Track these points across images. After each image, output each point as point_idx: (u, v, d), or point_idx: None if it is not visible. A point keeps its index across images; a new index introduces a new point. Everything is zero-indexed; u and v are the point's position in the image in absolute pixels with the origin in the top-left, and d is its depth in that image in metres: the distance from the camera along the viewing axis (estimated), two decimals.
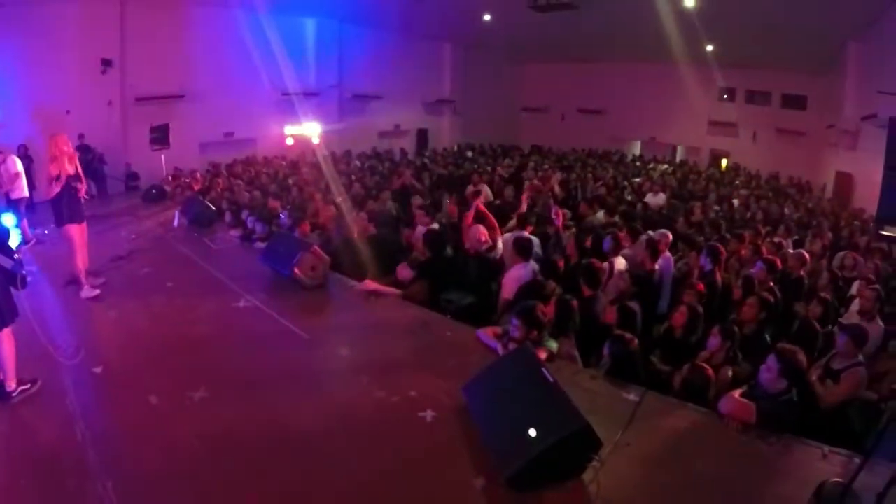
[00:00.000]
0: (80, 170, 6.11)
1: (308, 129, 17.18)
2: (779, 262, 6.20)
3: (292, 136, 17.37)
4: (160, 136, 14.59)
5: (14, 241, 7.27)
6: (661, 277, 6.44)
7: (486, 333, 4.76)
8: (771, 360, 3.49)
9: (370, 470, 3.29)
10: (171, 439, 3.54)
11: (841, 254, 7.48)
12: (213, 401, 3.99)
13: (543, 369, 3.36)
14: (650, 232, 7.39)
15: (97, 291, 6.02)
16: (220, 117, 15.53)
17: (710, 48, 16.61)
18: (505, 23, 17.40)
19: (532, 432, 3.03)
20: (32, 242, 7.98)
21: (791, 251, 6.99)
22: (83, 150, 12.62)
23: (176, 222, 9.29)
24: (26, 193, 8.84)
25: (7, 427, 3.69)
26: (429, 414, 3.81)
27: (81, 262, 6.09)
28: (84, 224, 6.20)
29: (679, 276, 6.69)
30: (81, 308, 5.74)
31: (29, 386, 4.01)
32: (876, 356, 4.81)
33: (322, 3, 16.13)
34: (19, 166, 8.81)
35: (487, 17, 17.44)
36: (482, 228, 6.40)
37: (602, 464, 3.10)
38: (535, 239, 6.67)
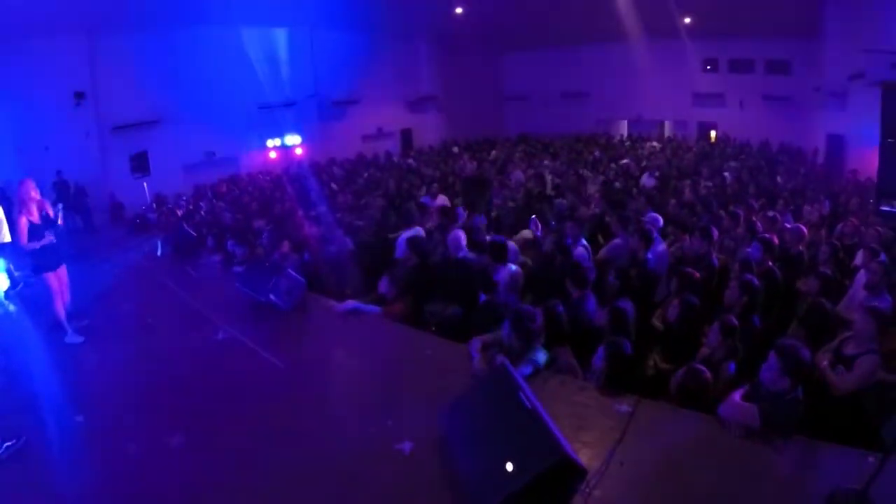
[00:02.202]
0: (49, 213, 5.94)
1: (290, 141, 16.98)
2: (775, 239, 5.98)
3: (274, 149, 17.15)
4: (140, 164, 14.42)
5: (2, 285, 7.17)
6: (656, 265, 6.25)
7: (477, 345, 4.48)
8: (772, 357, 3.28)
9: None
10: (149, 490, 3.45)
11: (841, 224, 7.25)
12: (190, 446, 3.86)
13: (521, 393, 3.11)
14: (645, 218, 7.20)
15: (81, 338, 5.88)
16: (200, 138, 15.40)
17: (687, 20, 16.32)
18: (478, 13, 17.14)
19: (509, 466, 2.80)
20: (20, 286, 7.79)
21: (788, 225, 6.76)
22: (61, 186, 12.52)
23: (159, 251, 9.13)
24: (8, 239, 8.67)
25: None
26: (407, 446, 3.59)
27: (61, 307, 5.96)
28: (60, 269, 6.05)
29: (674, 261, 6.48)
30: (65, 354, 5.62)
31: (14, 442, 3.89)
32: (887, 332, 4.56)
33: (292, 10, 15.85)
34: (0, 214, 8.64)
35: (459, 10, 17.16)
36: (462, 233, 6.22)
37: (591, 490, 2.88)
38: (512, 245, 6.47)
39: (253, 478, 3.49)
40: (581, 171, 11.83)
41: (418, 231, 7.11)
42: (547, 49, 21.30)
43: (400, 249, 6.65)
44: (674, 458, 3.23)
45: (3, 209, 9.07)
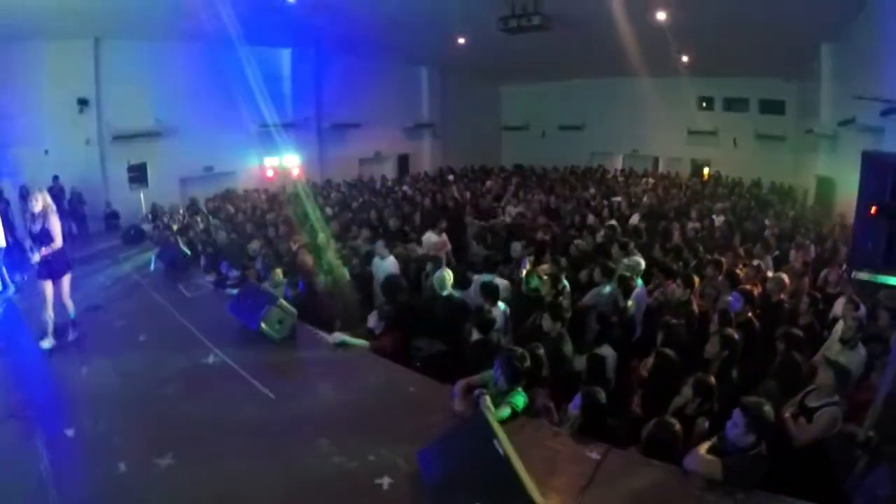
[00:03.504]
0: (48, 226, 6.07)
1: (288, 161, 17.19)
2: (756, 291, 6.14)
3: (272, 167, 17.35)
4: (138, 175, 14.59)
5: None
6: (635, 309, 6.44)
7: (460, 386, 4.57)
8: (737, 414, 3.41)
9: None
10: None
11: (825, 271, 7.43)
12: (178, 468, 3.97)
13: (495, 441, 3.25)
14: (625, 260, 7.39)
15: (51, 344, 6.06)
16: (199, 152, 15.64)
17: (685, 59, 16.71)
18: (480, 45, 17.47)
19: None
20: (13, 290, 7.87)
21: (770, 274, 6.93)
22: (58, 191, 12.64)
23: (152, 267, 9.23)
24: (2, 244, 8.75)
25: None
26: (385, 481, 3.71)
27: (48, 315, 6.13)
28: (50, 281, 6.17)
29: (655, 305, 6.66)
30: (56, 365, 5.73)
31: None
32: (858, 385, 4.72)
33: (297, 32, 16.13)
34: None
35: (462, 41, 17.50)
36: (448, 273, 6.42)
37: None
38: (502, 282, 6.64)
39: (237, 501, 3.61)
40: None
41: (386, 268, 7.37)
42: (546, 82, 21.72)
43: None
44: None
45: (1, 211, 9.20)
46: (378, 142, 20.89)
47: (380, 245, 7.81)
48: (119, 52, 13.85)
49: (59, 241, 6.08)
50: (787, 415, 4.08)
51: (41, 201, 5.99)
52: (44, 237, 5.99)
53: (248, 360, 5.60)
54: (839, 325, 5.40)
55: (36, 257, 5.95)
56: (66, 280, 6.28)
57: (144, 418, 4.66)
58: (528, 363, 4.23)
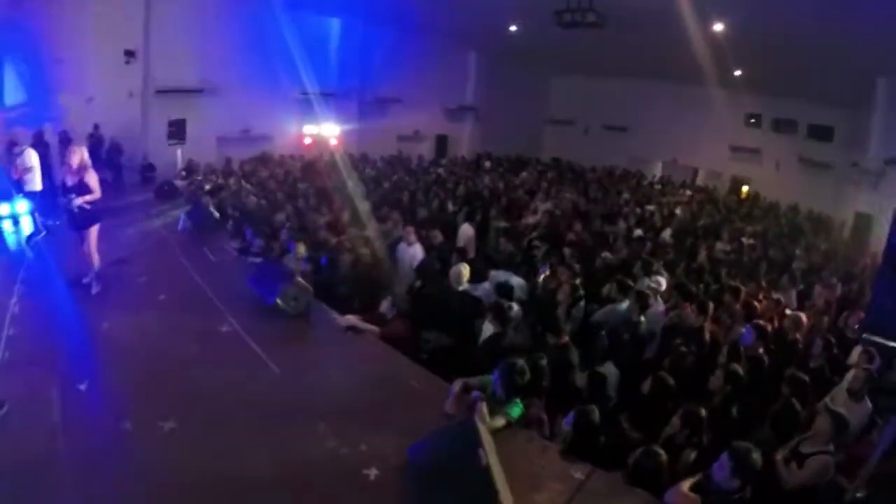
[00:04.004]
0: (86, 180, 6.29)
1: (326, 130, 17.29)
2: (771, 326, 6.04)
3: (310, 135, 17.47)
4: (177, 131, 14.83)
5: (28, 229, 7.51)
6: (649, 326, 6.41)
7: (457, 385, 4.66)
8: (724, 457, 3.41)
9: None
10: (137, 469, 3.71)
11: (846, 314, 7.26)
12: (179, 433, 4.12)
13: (480, 451, 3.34)
14: (646, 280, 7.31)
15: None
16: (238, 113, 15.76)
17: (738, 73, 16.24)
18: (531, 35, 17.20)
19: None
20: (44, 234, 8.16)
21: (789, 311, 6.79)
22: (96, 139, 12.94)
23: (181, 226, 9.47)
24: (39, 187, 9.04)
25: None
26: (373, 472, 3.83)
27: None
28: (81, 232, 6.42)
29: (670, 324, 6.62)
30: (77, 314, 5.88)
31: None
32: (859, 439, 4.67)
33: (347, 1, 16.14)
34: (34, 161, 8.99)
35: (514, 28, 17.28)
36: (465, 268, 6.45)
37: None
38: (518, 281, 6.67)
39: (230, 473, 3.75)
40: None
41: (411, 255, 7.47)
42: (595, 78, 21.24)
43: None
44: None
45: (40, 154, 9.48)
46: (418, 120, 20.76)
47: (409, 231, 7.85)
48: (170, 4, 13.96)
49: (97, 193, 6.31)
50: (778, 457, 4.07)
51: (79, 155, 6.18)
52: (81, 188, 6.21)
53: (260, 333, 5.75)
54: (850, 375, 5.29)
55: (78, 201, 6.16)
56: (94, 231, 6.47)
57: (154, 380, 4.80)
58: (527, 377, 4.27)
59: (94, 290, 6.45)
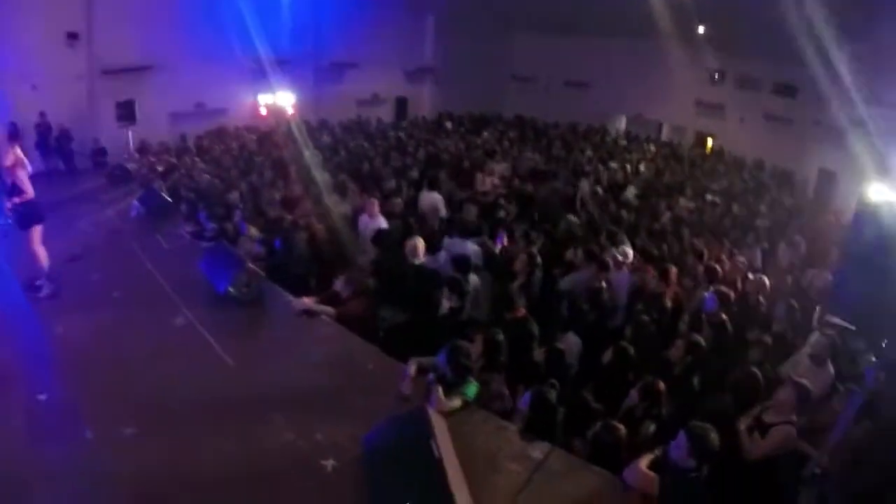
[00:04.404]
0: (17, 181, 6.00)
1: (282, 99, 16.77)
2: (733, 292, 5.94)
3: (265, 105, 16.94)
4: (126, 113, 14.22)
5: None
6: (612, 293, 6.37)
7: (411, 366, 4.62)
8: (681, 436, 3.39)
9: None
10: (100, 478, 3.63)
11: (811, 272, 7.22)
12: (140, 437, 4.03)
13: (432, 442, 3.27)
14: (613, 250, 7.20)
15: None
16: (190, 87, 15.21)
17: (701, 30, 16.09)
18: None
19: None
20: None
21: (752, 275, 6.74)
22: (44, 127, 12.42)
23: (134, 212, 9.10)
24: None
25: None
26: (330, 463, 3.77)
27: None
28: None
29: (632, 290, 6.59)
30: (31, 322, 5.69)
31: None
32: (820, 405, 4.64)
33: None
34: None
35: None
36: (419, 241, 6.27)
37: None
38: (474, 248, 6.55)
39: (189, 474, 3.69)
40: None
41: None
42: (556, 35, 20.81)
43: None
44: None
45: None
46: (376, 83, 20.32)
47: (372, 203, 7.52)
48: None
49: (29, 193, 6.01)
50: (742, 427, 4.10)
51: (11, 155, 5.88)
52: (13, 190, 5.94)
53: (215, 324, 5.59)
54: (812, 338, 5.28)
55: (9, 204, 5.93)
56: (35, 231, 6.17)
57: (112, 383, 4.67)
58: (472, 359, 4.23)
59: (45, 292, 6.17)
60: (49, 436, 4.03)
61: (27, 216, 6.10)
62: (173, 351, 5.27)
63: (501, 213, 8.44)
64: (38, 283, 6.21)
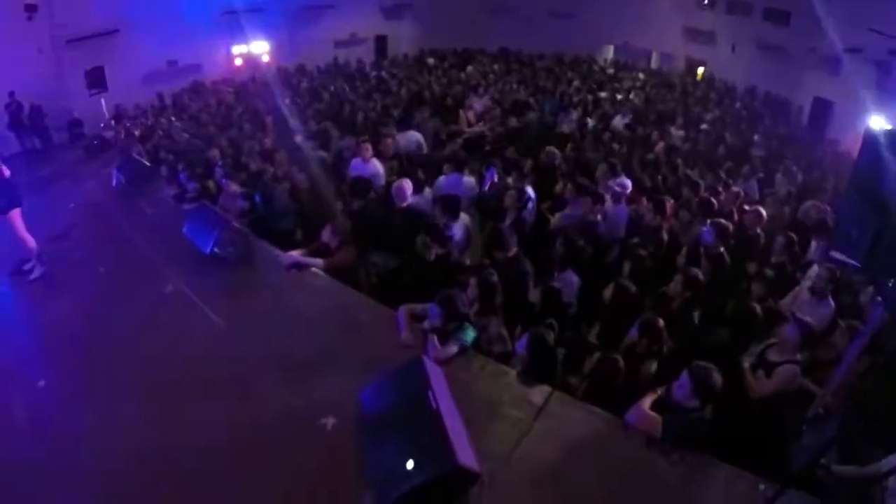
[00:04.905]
0: None
1: (256, 48, 16.16)
2: (731, 226, 5.76)
3: (240, 56, 16.36)
4: (96, 80, 13.80)
5: None
6: (610, 228, 6.22)
7: (404, 314, 4.52)
8: (684, 376, 3.35)
9: (270, 490, 3.31)
10: (105, 460, 3.60)
11: (807, 204, 6.91)
12: (139, 414, 3.99)
13: (430, 392, 3.19)
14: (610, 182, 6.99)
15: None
16: (160, 45, 14.68)
17: None
18: None
19: (410, 464, 2.94)
20: None
21: (747, 208, 6.55)
22: (16, 107, 12.07)
23: (114, 181, 8.77)
24: None
25: None
26: (329, 421, 3.72)
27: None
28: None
29: (629, 223, 6.43)
30: (21, 306, 5.68)
31: None
32: (821, 340, 4.56)
33: None
34: None
35: None
36: (407, 183, 6.09)
37: (488, 482, 3.07)
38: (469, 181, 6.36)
39: (190, 448, 3.63)
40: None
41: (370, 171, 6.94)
42: None
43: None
44: (574, 457, 3.39)
45: None
46: (354, 22, 19.61)
47: (365, 147, 7.21)
48: None
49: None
50: (746, 365, 4.05)
51: None
52: None
53: (204, 287, 5.47)
54: (812, 271, 5.19)
55: None
56: (15, 214, 5.98)
57: (106, 363, 4.59)
58: (466, 305, 4.18)
59: (35, 274, 6.01)
60: (51, 420, 4.01)
61: (3, 199, 5.90)
62: (165, 320, 5.17)
63: (487, 148, 8.18)
64: (26, 266, 6.06)
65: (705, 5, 18.32)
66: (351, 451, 3.46)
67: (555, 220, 6.38)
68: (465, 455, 2.97)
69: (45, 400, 4.24)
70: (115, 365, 4.54)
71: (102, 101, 13.83)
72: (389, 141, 7.91)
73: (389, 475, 3.03)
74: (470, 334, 4.20)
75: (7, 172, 5.93)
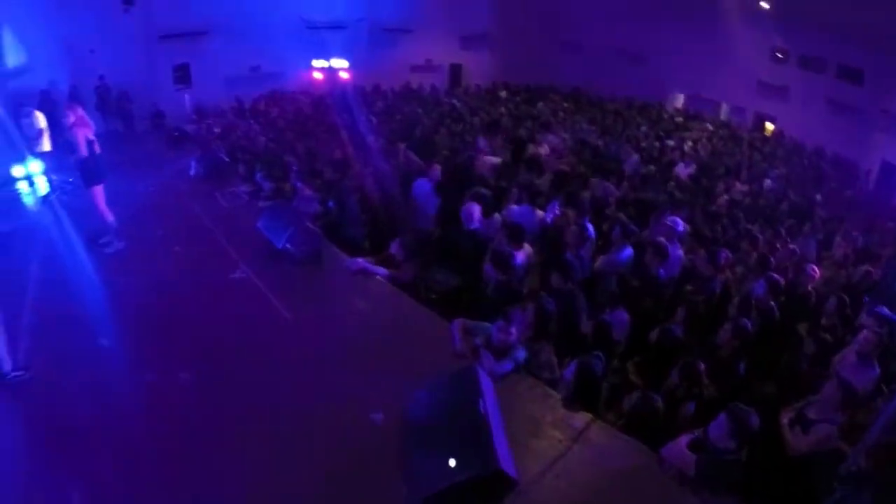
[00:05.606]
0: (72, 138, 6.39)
1: (336, 64, 16.90)
2: (784, 279, 5.86)
3: (320, 70, 17.10)
4: (182, 76, 14.70)
5: (43, 189, 7.49)
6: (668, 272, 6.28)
7: (459, 327, 4.73)
8: (722, 417, 3.43)
9: (320, 472, 3.56)
10: (159, 420, 3.92)
11: (862, 268, 6.85)
12: (198, 384, 4.34)
13: (480, 400, 3.41)
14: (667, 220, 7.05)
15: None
16: (245, 51, 15.52)
17: (766, 5, 15.34)
18: None
19: (452, 462, 3.15)
20: (58, 193, 8.15)
21: (804, 267, 6.43)
22: (103, 90, 12.88)
23: (192, 171, 9.43)
24: (49, 148, 9.04)
25: (16, 401, 4.13)
26: (379, 417, 3.97)
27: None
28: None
29: (683, 271, 6.48)
30: (97, 272, 5.96)
31: (22, 373, 4.27)
32: (863, 404, 4.47)
33: None
34: (43, 123, 9.10)
35: None
36: (476, 206, 6.22)
37: (522, 494, 3.24)
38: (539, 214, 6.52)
39: (241, 421, 3.93)
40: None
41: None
42: (615, 4, 20.12)
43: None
44: (607, 483, 3.52)
45: (47, 114, 9.43)
46: (431, 49, 20.09)
47: (435, 168, 7.43)
48: None
49: (82, 151, 6.35)
50: (784, 420, 4.09)
51: (71, 115, 6.25)
52: (71, 148, 6.38)
53: (272, 279, 5.86)
54: (861, 336, 5.05)
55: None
56: (98, 190, 6.50)
57: (173, 332, 5.00)
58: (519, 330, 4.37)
59: (110, 249, 6.52)
60: (110, 380, 4.29)
61: (88, 174, 6.45)
62: (231, 303, 5.57)
63: (557, 183, 8.33)
64: (103, 239, 6.56)
65: (779, 59, 18.01)
66: (394, 448, 3.67)
67: (598, 262, 6.33)
68: (506, 462, 3.17)
69: (106, 358, 4.59)
70: (177, 335, 4.93)
71: (186, 96, 14.73)
72: (457, 164, 8.16)
73: (430, 471, 3.25)
74: (522, 354, 4.40)
75: (98, 149, 6.45)
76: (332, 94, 15.13)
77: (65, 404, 4.06)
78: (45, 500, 3.38)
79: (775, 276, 5.69)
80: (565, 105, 17.36)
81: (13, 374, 4.25)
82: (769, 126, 18.55)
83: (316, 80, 17.20)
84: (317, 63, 17.15)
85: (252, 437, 3.80)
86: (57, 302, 5.28)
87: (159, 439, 3.74)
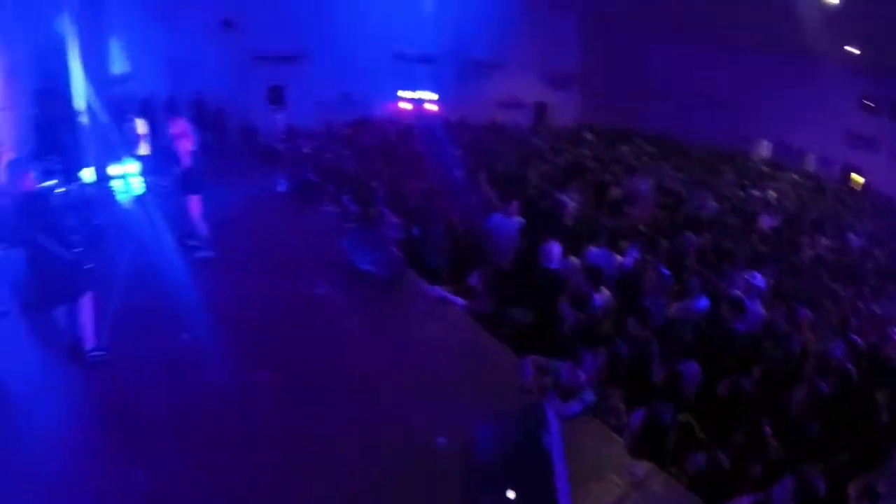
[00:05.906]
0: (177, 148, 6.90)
1: (424, 95, 17.48)
2: (865, 341, 5.70)
3: (408, 100, 17.71)
4: (276, 97, 15.79)
5: (138, 189, 8.13)
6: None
7: (531, 364, 4.87)
8: (787, 480, 3.41)
9: (385, 493, 3.73)
10: (225, 420, 4.20)
11: None
12: (270, 388, 4.62)
13: (546, 437, 3.54)
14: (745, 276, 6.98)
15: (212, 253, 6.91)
16: (336, 77, 16.21)
17: (855, 51, 14.77)
18: None
19: (511, 494, 3.31)
20: (152, 194, 8.43)
21: (889, 330, 6.18)
22: (199, 105, 13.85)
23: (280, 188, 10.01)
24: (147, 152, 9.83)
25: (90, 381, 4.51)
26: (441, 441, 4.11)
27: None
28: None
29: (761, 326, 6.37)
30: (184, 272, 6.31)
31: (104, 353, 4.66)
32: None
33: None
34: (143, 129, 9.90)
35: None
36: (556, 247, 6.34)
37: None
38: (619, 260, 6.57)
39: (308, 431, 4.19)
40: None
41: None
42: (704, 48, 19.82)
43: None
44: None
45: (147, 121, 10.29)
46: (517, 86, 20.31)
47: (513, 204, 7.68)
48: None
49: (185, 162, 6.86)
50: (852, 492, 4.01)
51: (178, 126, 6.85)
52: (172, 156, 6.91)
53: (352, 297, 6.21)
54: None
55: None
56: (194, 199, 6.91)
57: (251, 337, 5.29)
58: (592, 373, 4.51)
59: (201, 255, 6.91)
60: (186, 373, 4.64)
61: (187, 184, 6.92)
62: (310, 315, 5.91)
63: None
64: (191, 242, 6.99)
65: (871, 108, 17.20)
66: (455, 474, 3.81)
67: (672, 308, 6.32)
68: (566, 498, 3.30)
69: (186, 352, 4.94)
70: (254, 340, 5.22)
71: (278, 117, 15.68)
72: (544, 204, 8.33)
73: (487, 495, 3.42)
74: (590, 396, 4.50)
75: (186, 162, 6.88)
76: (418, 125, 15.72)
77: (138, 391, 4.37)
78: (108, 482, 3.57)
79: (855, 337, 5.54)
80: (649, 150, 17.22)
81: (94, 352, 4.62)
82: (857, 178, 17.69)
83: (403, 110, 17.82)
84: (404, 94, 17.79)
85: (312, 451, 4.01)
86: (143, 294, 5.67)
87: (223, 440, 3.98)
